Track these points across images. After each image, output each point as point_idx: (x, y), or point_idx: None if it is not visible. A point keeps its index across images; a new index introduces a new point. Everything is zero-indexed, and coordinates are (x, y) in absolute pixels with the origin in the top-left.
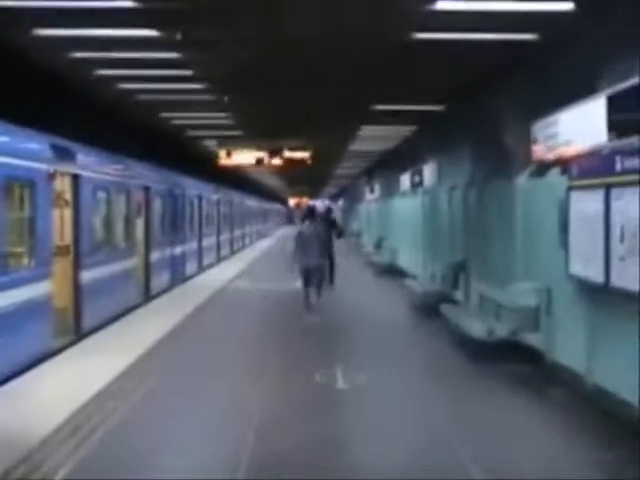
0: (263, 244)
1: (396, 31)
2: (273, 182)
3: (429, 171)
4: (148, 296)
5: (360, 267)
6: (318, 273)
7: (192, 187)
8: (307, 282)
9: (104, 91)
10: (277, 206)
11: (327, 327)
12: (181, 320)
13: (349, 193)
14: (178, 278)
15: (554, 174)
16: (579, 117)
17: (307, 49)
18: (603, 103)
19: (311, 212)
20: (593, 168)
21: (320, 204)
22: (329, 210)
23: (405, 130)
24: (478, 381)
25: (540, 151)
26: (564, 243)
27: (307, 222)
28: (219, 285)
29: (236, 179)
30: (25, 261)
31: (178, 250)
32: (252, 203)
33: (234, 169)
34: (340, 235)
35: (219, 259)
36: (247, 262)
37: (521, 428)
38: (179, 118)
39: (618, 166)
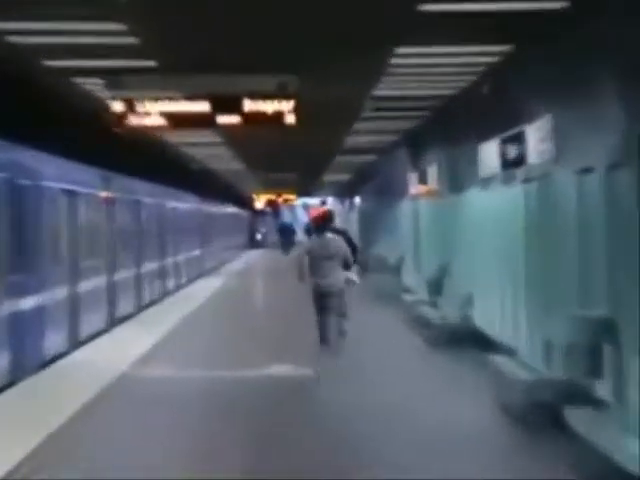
0: (204, 288)
1: None
2: (224, 165)
3: (538, 136)
4: None
5: (399, 330)
6: (339, 298)
7: (57, 173)
8: (324, 309)
9: None
10: (233, 211)
11: (342, 455)
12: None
13: (374, 185)
14: (28, 362)
15: None
16: None
17: None
18: None
19: (328, 220)
20: None
21: (314, 206)
22: (328, 217)
23: (487, 54)
24: None
25: None
26: None
27: (322, 234)
28: (112, 375)
29: (148, 158)
30: None
31: (27, 305)
32: (181, 206)
33: (142, 136)
34: (355, 251)
35: (112, 320)
36: (171, 325)
37: None
38: (24, 32)
39: None
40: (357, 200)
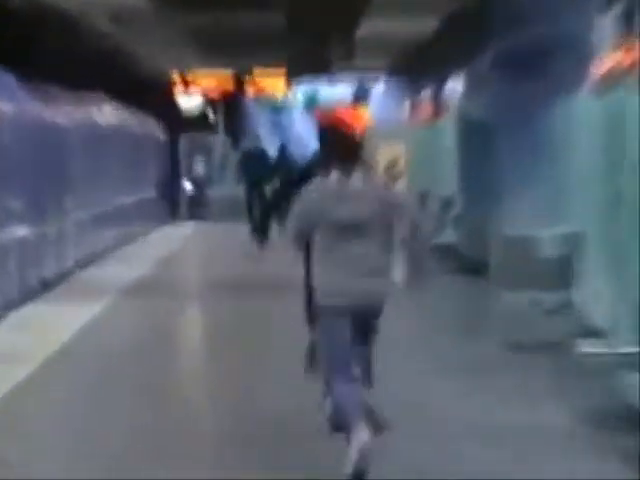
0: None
1: None
2: None
3: None
4: None
5: (576, 438)
6: (371, 325)
7: None
8: (345, 347)
9: None
10: (114, 119)
11: None
12: None
13: (501, 53)
14: None
15: None
16: None
17: None
18: None
19: (355, 140)
20: None
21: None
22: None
23: None
24: None
25: None
26: None
27: (344, 171)
28: None
29: None
30: None
31: None
32: None
33: None
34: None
35: None
36: None
37: None
38: None
39: None
40: (453, 92)
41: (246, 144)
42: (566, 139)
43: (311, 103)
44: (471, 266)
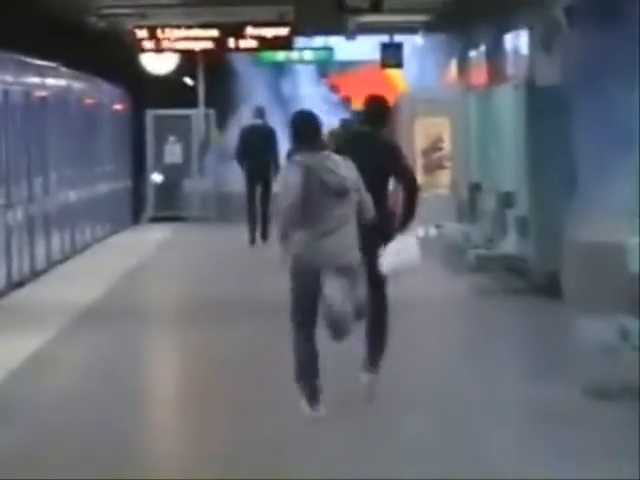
0: None
1: None
2: None
3: None
4: None
5: None
6: (353, 278)
7: None
8: (312, 316)
9: None
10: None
11: None
12: None
13: None
14: None
15: None
16: None
17: None
18: None
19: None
20: None
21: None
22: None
23: None
24: None
25: None
26: None
27: (314, 149)
28: None
29: None
30: None
31: None
32: None
33: None
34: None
35: None
36: None
37: None
38: None
39: None
40: (516, 50)
41: (247, 120)
42: None
43: (324, 65)
44: (541, 283)
